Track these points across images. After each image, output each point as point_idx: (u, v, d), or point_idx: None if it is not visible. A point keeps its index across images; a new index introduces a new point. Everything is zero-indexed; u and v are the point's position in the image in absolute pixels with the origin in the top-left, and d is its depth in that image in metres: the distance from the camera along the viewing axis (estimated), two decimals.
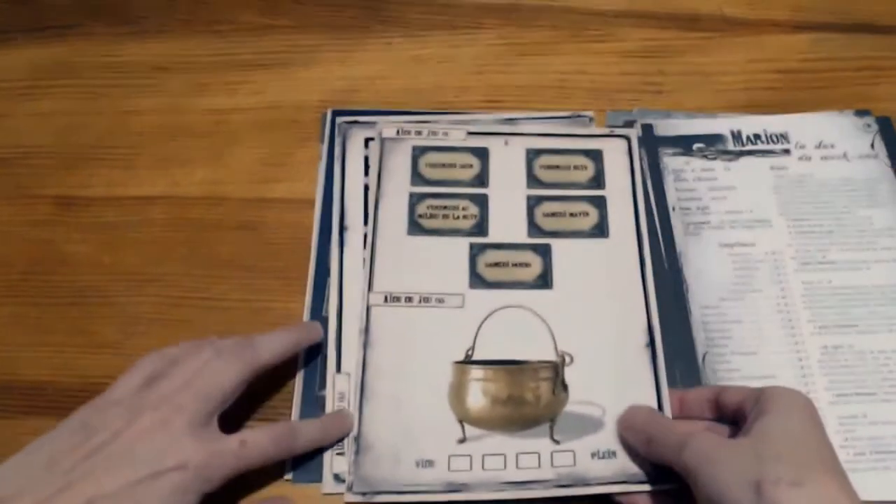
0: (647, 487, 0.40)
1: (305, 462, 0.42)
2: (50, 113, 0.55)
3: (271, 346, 0.41)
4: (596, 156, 0.51)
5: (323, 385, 0.44)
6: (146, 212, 0.51)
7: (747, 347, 0.46)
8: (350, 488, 0.40)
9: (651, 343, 0.44)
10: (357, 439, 0.42)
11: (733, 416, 0.39)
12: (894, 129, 0.53)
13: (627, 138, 0.52)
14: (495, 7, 0.59)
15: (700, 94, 0.55)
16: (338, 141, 0.51)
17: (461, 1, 0.60)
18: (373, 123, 0.52)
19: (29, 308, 0.48)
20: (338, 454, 0.42)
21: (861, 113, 0.54)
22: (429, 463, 0.41)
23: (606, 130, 0.52)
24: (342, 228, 0.48)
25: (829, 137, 0.53)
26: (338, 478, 0.41)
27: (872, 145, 0.52)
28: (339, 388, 0.43)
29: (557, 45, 0.58)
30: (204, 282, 0.48)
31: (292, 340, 0.43)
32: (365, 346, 0.44)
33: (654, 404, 0.42)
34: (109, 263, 0.49)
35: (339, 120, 0.53)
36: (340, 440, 0.42)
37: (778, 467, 0.33)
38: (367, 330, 0.44)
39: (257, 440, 0.39)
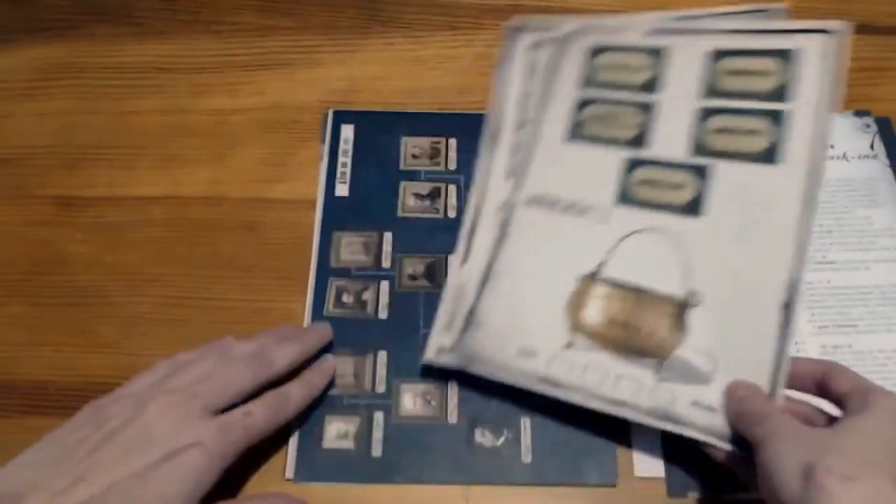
0: (736, 451, 0.38)
1: (306, 458, 0.42)
2: (51, 113, 0.55)
3: (286, 358, 0.42)
4: (789, 57, 0.42)
5: None
6: (147, 212, 0.51)
7: None
8: (452, 350, 0.40)
9: (787, 305, 0.39)
10: (469, 315, 0.41)
11: (836, 401, 0.38)
12: (894, 129, 0.53)
13: (839, 31, 0.42)
14: (495, 7, 0.60)
15: None
16: (505, 45, 0.49)
17: (461, 1, 0.60)
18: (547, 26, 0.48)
19: (29, 308, 0.48)
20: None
21: (860, 113, 0.54)
22: (531, 353, 0.40)
23: (810, 24, 0.43)
24: (496, 131, 0.47)
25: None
26: (442, 350, 0.41)
27: (872, 146, 0.52)
28: (460, 279, 0.43)
29: None
30: (204, 282, 0.48)
31: (305, 351, 0.43)
32: (501, 238, 0.43)
33: (770, 374, 0.39)
34: (110, 263, 0.49)
35: (507, 24, 0.50)
36: (326, 388, 0.43)
37: (838, 459, 0.32)
38: (507, 223, 0.43)
39: (259, 410, 0.39)
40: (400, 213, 0.50)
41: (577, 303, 0.41)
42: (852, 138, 0.53)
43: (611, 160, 0.44)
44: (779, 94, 0.42)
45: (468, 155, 0.52)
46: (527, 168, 0.44)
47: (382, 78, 0.56)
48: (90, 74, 0.57)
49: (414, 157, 0.53)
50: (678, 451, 0.43)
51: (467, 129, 0.53)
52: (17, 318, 0.47)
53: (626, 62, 0.46)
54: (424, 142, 0.53)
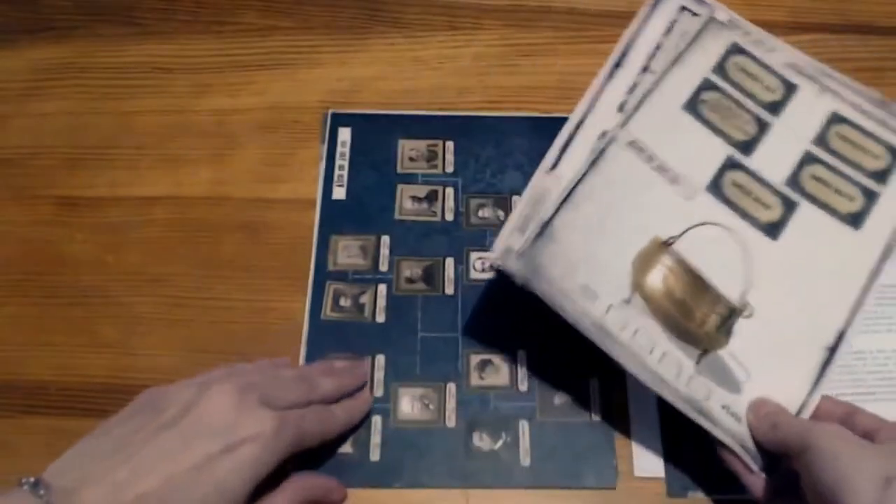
0: (753, 466, 0.39)
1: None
2: (53, 114, 0.55)
3: (329, 387, 0.42)
4: (894, 152, 0.47)
5: None
6: (148, 212, 0.51)
7: None
8: (520, 256, 0.40)
9: (833, 349, 0.42)
10: (545, 225, 0.41)
11: (864, 435, 0.37)
12: None
13: None
14: (496, 8, 0.60)
15: None
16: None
17: (462, 2, 0.60)
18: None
19: (31, 308, 0.48)
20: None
21: None
22: (593, 295, 0.41)
23: None
24: (618, 64, 0.47)
25: None
26: (509, 251, 0.41)
27: None
28: (544, 185, 0.43)
29: (558, 47, 0.58)
30: (205, 282, 0.48)
31: (344, 385, 0.43)
32: (592, 163, 0.43)
33: (798, 405, 0.41)
34: (112, 263, 0.49)
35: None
36: (360, 425, 0.43)
37: None
38: (601, 152, 0.43)
39: (310, 418, 0.39)
40: (397, 217, 0.51)
41: (643, 263, 0.42)
42: None
43: (715, 149, 0.45)
44: (880, 176, 0.46)
45: (465, 157, 0.52)
46: (637, 112, 0.45)
47: (383, 78, 0.56)
48: (91, 74, 0.57)
49: (411, 159, 0.53)
50: (678, 451, 0.43)
51: (465, 131, 0.54)
52: (18, 317, 0.48)
53: (759, 76, 0.48)
54: (421, 144, 0.53)
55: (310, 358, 0.46)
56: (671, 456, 0.43)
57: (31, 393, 0.45)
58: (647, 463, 0.43)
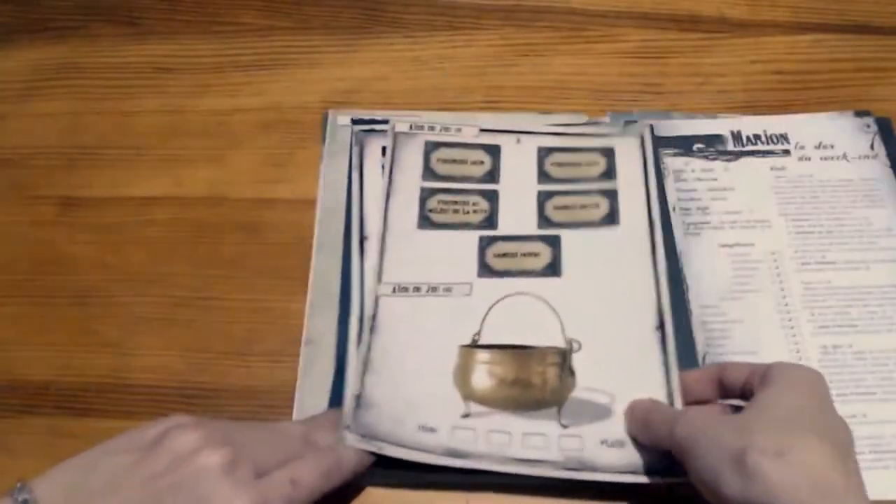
0: (657, 479, 0.39)
1: None
2: (53, 114, 0.55)
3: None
4: (608, 153, 0.51)
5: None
6: (148, 212, 0.51)
7: (747, 347, 0.46)
8: (349, 429, 0.40)
9: (661, 326, 0.44)
10: (358, 398, 0.42)
11: (741, 393, 0.39)
12: (894, 129, 0.53)
13: (640, 136, 0.52)
14: (495, 8, 0.60)
15: (700, 94, 0.55)
16: (355, 151, 0.51)
17: (461, 2, 0.60)
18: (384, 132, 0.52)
19: (31, 308, 0.48)
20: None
21: (861, 113, 0.54)
22: (431, 430, 0.41)
23: (618, 128, 0.52)
24: (362, 238, 0.48)
25: (829, 138, 0.53)
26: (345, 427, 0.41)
27: (872, 146, 0.52)
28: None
29: (557, 46, 0.58)
30: (205, 281, 0.48)
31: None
32: (371, 330, 0.44)
33: (664, 388, 0.42)
34: (112, 264, 0.49)
35: (357, 129, 0.52)
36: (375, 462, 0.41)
37: (764, 438, 0.32)
38: (374, 317, 0.45)
39: (307, 478, 0.36)
40: None
41: (463, 373, 0.43)
42: (852, 138, 0.53)
43: (466, 242, 0.48)
44: (607, 175, 0.50)
45: None
46: (382, 260, 0.47)
47: (383, 78, 0.56)
48: (90, 74, 0.57)
49: None
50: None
51: None
52: (18, 317, 0.47)
53: (464, 156, 0.51)
54: None
55: None
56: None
57: (31, 393, 0.45)
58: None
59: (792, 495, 0.30)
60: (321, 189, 0.51)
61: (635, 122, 0.53)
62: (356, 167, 0.51)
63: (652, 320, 0.44)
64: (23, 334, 0.47)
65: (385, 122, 0.53)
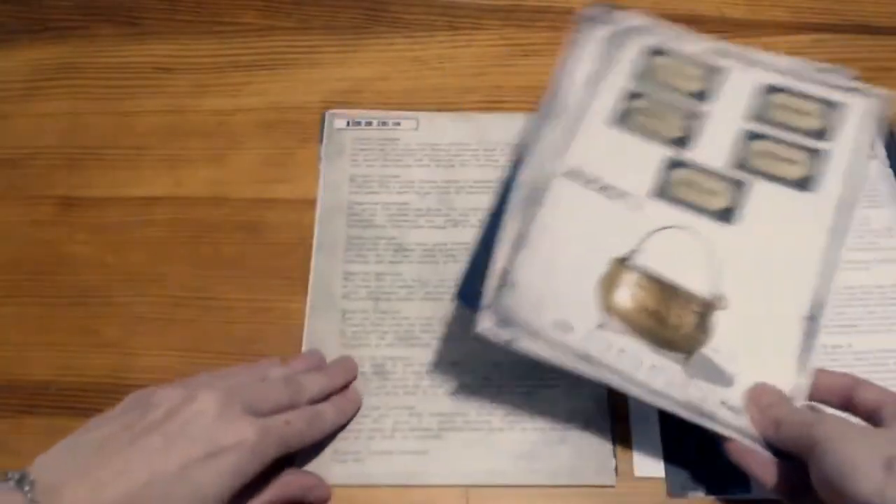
0: (765, 450, 0.38)
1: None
2: (53, 114, 0.55)
3: (315, 387, 0.42)
4: (835, 107, 0.46)
5: None
6: (149, 212, 0.51)
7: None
8: (489, 307, 0.40)
9: (812, 318, 0.41)
10: (503, 275, 0.41)
11: (868, 414, 0.38)
12: (894, 129, 0.53)
13: (881, 97, 0.46)
14: (496, 8, 0.60)
15: None
16: (582, 27, 0.48)
17: (462, 2, 0.60)
18: None
19: (32, 308, 0.48)
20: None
21: None
22: (567, 327, 0.40)
23: (858, 85, 0.47)
24: (556, 114, 0.46)
25: None
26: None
27: (872, 146, 0.52)
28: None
29: (558, 46, 0.58)
30: (205, 281, 0.48)
31: (332, 384, 0.43)
32: (537, 202, 0.43)
33: (793, 381, 0.40)
34: (112, 263, 0.49)
35: (581, 13, 0.49)
36: (351, 419, 0.44)
37: None
38: (543, 190, 0.43)
39: (296, 420, 0.39)
40: None
41: (608, 284, 0.42)
42: None
43: (652, 154, 0.45)
44: (820, 134, 0.45)
45: None
46: (569, 142, 0.45)
47: (383, 78, 0.56)
48: (90, 74, 0.57)
49: None
50: (678, 451, 0.43)
51: None
52: (18, 317, 0.47)
53: (682, 69, 0.48)
54: None
55: None
56: (671, 456, 0.43)
57: (31, 393, 0.45)
58: (647, 463, 0.43)
59: None
60: (321, 189, 0.51)
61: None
62: (576, 44, 0.48)
63: (805, 308, 0.41)
64: (23, 334, 0.47)
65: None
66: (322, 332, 0.46)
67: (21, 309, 0.48)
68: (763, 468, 0.38)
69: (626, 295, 0.41)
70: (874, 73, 0.56)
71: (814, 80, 0.47)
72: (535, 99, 0.55)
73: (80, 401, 0.45)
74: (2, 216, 0.51)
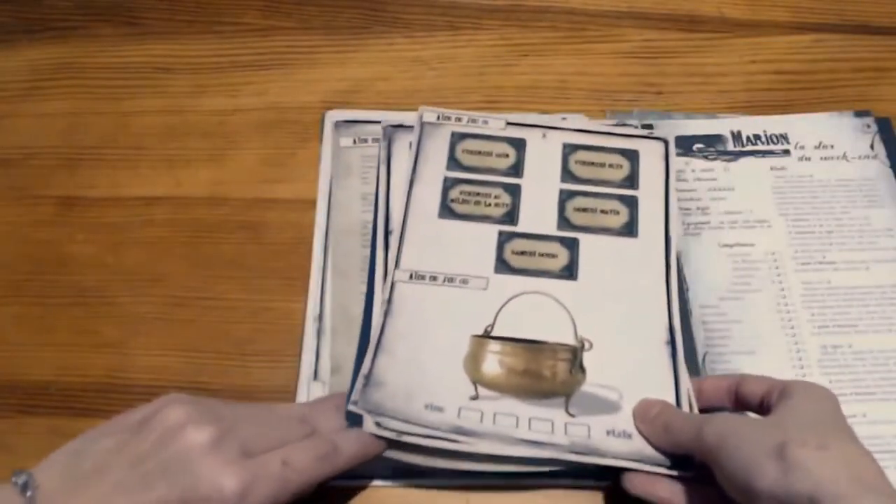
0: (664, 470, 0.39)
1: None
2: (52, 114, 0.55)
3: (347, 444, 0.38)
4: (632, 156, 0.51)
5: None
6: (149, 212, 0.51)
7: (747, 347, 0.46)
8: (355, 404, 0.40)
9: (672, 341, 0.44)
10: (367, 377, 0.42)
11: (757, 406, 0.39)
12: (894, 129, 0.53)
13: (665, 141, 0.51)
14: (496, 8, 0.60)
15: (700, 94, 0.55)
16: (383, 145, 0.51)
17: (462, 2, 0.60)
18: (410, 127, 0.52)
19: (32, 308, 0.48)
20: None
21: (861, 113, 0.54)
22: (439, 408, 0.41)
23: (645, 132, 0.52)
24: (387, 232, 0.48)
25: (829, 138, 0.53)
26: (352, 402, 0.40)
27: (872, 146, 0.52)
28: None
29: (557, 46, 0.58)
30: (205, 282, 0.48)
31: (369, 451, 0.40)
32: (385, 314, 0.44)
33: (673, 398, 0.42)
34: (112, 263, 0.49)
35: (385, 123, 0.52)
36: (378, 455, 0.40)
37: (803, 434, 0.33)
38: (389, 301, 0.45)
39: (300, 459, 0.35)
40: None
41: (473, 360, 0.43)
42: (852, 138, 0.53)
43: (486, 235, 0.48)
44: (629, 182, 0.50)
45: None
46: (401, 246, 0.47)
47: (383, 78, 0.56)
48: (90, 74, 0.57)
49: None
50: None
51: None
52: (18, 318, 0.47)
53: (489, 148, 0.51)
54: None
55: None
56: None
57: (31, 393, 0.45)
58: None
59: (833, 484, 0.31)
60: (331, 210, 0.50)
61: (651, 124, 0.53)
62: (384, 161, 0.50)
63: (663, 335, 0.44)
64: (23, 334, 0.47)
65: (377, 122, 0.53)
66: (345, 357, 0.45)
67: (21, 309, 0.48)
68: (671, 493, 0.39)
69: (494, 364, 0.43)
70: (874, 73, 0.56)
71: (610, 132, 0.52)
72: (535, 99, 0.55)
73: (80, 401, 0.45)
74: (2, 216, 0.51)
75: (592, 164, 0.50)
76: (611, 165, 0.50)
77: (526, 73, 0.57)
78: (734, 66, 0.57)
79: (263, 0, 0.60)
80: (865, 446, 0.34)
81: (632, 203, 0.49)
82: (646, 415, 0.41)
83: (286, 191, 0.52)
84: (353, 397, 0.41)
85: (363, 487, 0.42)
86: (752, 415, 0.39)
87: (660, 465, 0.39)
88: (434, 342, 0.44)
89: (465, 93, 0.55)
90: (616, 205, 0.49)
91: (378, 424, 0.39)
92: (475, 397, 0.42)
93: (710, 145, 0.53)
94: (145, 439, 0.34)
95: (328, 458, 0.36)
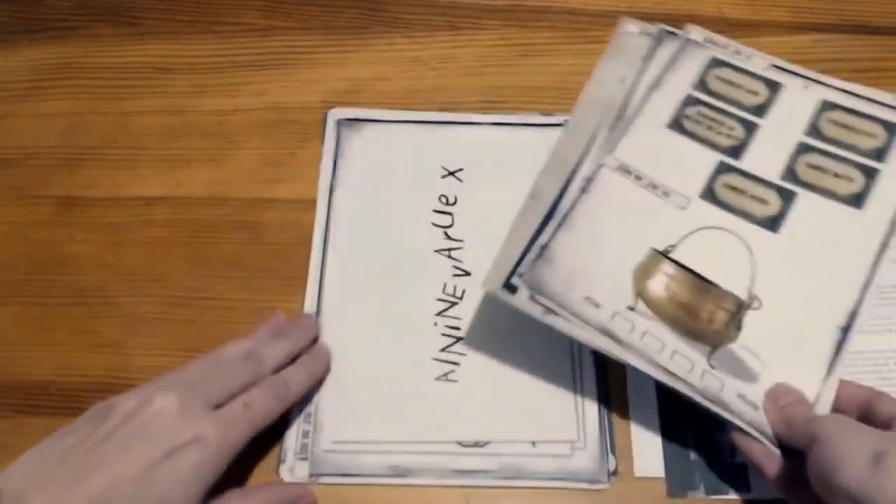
0: (775, 446, 0.39)
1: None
2: (52, 114, 0.55)
3: (276, 355, 0.43)
4: (892, 128, 0.47)
5: None
6: (149, 212, 0.51)
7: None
8: (520, 276, 0.41)
9: (846, 329, 0.42)
10: (543, 248, 0.42)
11: (883, 424, 0.38)
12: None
13: None
14: (496, 8, 0.60)
15: None
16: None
17: (462, 2, 0.60)
18: None
19: (32, 308, 0.48)
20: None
21: None
22: (596, 304, 0.41)
23: None
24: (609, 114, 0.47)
25: None
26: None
27: None
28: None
29: (558, 46, 0.58)
30: (205, 282, 0.48)
31: (294, 348, 0.44)
32: (582, 191, 0.45)
33: (817, 387, 0.40)
34: (112, 264, 0.49)
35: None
36: (323, 379, 0.44)
37: None
38: (590, 180, 0.45)
39: (258, 399, 0.39)
40: None
41: (644, 273, 0.43)
42: None
43: (704, 158, 0.46)
44: (877, 154, 0.47)
45: None
46: (621, 136, 0.46)
47: (383, 78, 0.56)
48: (90, 74, 0.57)
49: None
50: (678, 451, 0.43)
51: None
52: (18, 318, 0.48)
53: (741, 82, 0.49)
54: None
55: None
56: (671, 456, 0.43)
57: (30, 393, 0.45)
58: (647, 463, 0.43)
59: None
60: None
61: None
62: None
63: (840, 318, 0.42)
64: (23, 334, 0.47)
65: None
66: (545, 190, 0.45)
67: (21, 309, 0.48)
68: (766, 459, 0.39)
69: (660, 285, 0.42)
70: (874, 73, 0.56)
71: (875, 101, 0.49)
72: (535, 99, 0.55)
73: (80, 401, 0.45)
74: (2, 216, 0.51)
75: (846, 126, 0.47)
76: (865, 133, 0.47)
77: (526, 73, 0.57)
78: None
79: (263, 0, 0.60)
80: None
81: (871, 175, 0.46)
82: (777, 400, 0.40)
83: (286, 191, 0.52)
84: (520, 268, 0.41)
85: (363, 487, 0.42)
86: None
87: (770, 441, 0.39)
88: (615, 238, 0.43)
89: (465, 93, 0.55)
90: (854, 172, 0.46)
91: (532, 299, 0.40)
92: (632, 308, 0.42)
93: None
94: (107, 423, 0.36)
95: (281, 397, 0.41)
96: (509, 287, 0.41)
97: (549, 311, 0.41)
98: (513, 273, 0.42)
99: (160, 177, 0.52)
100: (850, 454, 0.34)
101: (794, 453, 0.38)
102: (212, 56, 0.57)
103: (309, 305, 0.47)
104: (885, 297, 0.47)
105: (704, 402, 0.40)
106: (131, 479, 0.34)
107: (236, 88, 0.56)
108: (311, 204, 0.51)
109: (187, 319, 0.47)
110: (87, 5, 0.60)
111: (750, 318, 0.42)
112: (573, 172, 0.45)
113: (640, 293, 0.42)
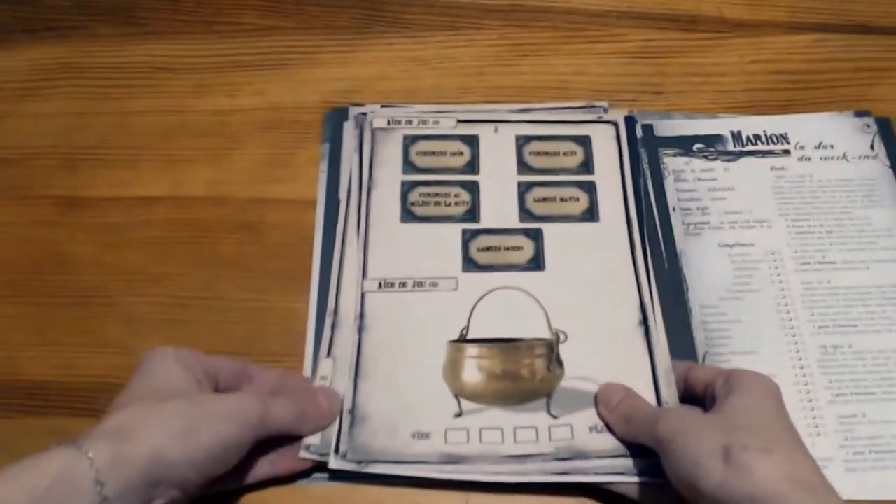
0: (642, 479, 0.40)
1: None
2: (52, 114, 0.55)
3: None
4: (585, 141, 0.52)
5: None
6: (148, 212, 0.51)
7: (747, 347, 0.46)
8: (343, 457, 0.40)
9: (644, 321, 0.45)
10: (352, 412, 0.42)
11: (702, 394, 0.40)
12: (894, 129, 0.53)
13: (615, 123, 0.52)
14: (496, 8, 0.60)
15: (700, 94, 0.55)
16: (354, 133, 0.52)
17: (462, 2, 0.60)
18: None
19: (32, 308, 0.48)
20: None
21: (861, 113, 0.54)
22: (425, 435, 0.41)
23: (594, 116, 0.53)
24: (346, 225, 0.48)
25: (829, 138, 0.53)
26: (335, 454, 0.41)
27: (872, 146, 0.52)
28: (322, 371, 0.44)
29: (558, 46, 0.58)
30: (205, 281, 0.48)
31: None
32: (360, 330, 0.45)
33: (650, 381, 0.43)
34: (112, 263, 0.49)
35: (355, 111, 0.53)
36: (321, 429, 0.41)
37: (747, 436, 0.34)
38: (361, 315, 0.45)
39: (280, 411, 0.40)
40: None
41: (452, 369, 0.43)
42: (852, 138, 0.53)
43: (450, 235, 0.48)
44: (585, 167, 0.51)
45: None
46: (366, 256, 0.47)
47: (383, 78, 0.56)
48: (90, 74, 0.57)
49: None
50: None
51: None
52: (18, 318, 0.47)
53: (442, 148, 0.51)
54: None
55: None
56: None
57: (32, 393, 0.45)
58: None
59: (773, 485, 0.32)
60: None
61: (605, 110, 0.54)
62: (356, 150, 0.51)
63: (635, 316, 0.45)
64: (23, 334, 0.47)
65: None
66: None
67: (21, 309, 0.48)
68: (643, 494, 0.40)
69: (473, 370, 0.43)
70: (874, 73, 0.56)
71: (561, 120, 0.52)
72: (535, 99, 0.55)
73: (80, 401, 0.45)
74: (2, 216, 0.51)
75: (547, 153, 0.51)
76: (565, 153, 0.51)
77: (526, 73, 0.57)
78: (734, 66, 0.57)
79: (263, 0, 0.60)
80: (808, 450, 0.35)
81: (590, 188, 0.50)
82: (609, 402, 0.42)
83: (286, 191, 0.52)
84: (341, 446, 0.41)
85: (363, 487, 0.42)
86: (700, 410, 0.40)
87: (637, 457, 0.40)
88: (412, 355, 0.44)
89: (465, 93, 0.55)
90: (575, 191, 0.50)
91: (361, 470, 0.40)
92: (459, 414, 0.42)
93: (711, 145, 0.53)
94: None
95: (299, 419, 0.41)
96: (340, 474, 0.41)
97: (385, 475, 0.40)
98: (336, 450, 0.41)
99: (160, 177, 0.52)
100: (702, 456, 0.34)
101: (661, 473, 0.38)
102: (212, 56, 0.57)
103: (311, 305, 0.47)
104: (885, 298, 0.47)
105: (559, 479, 0.40)
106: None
107: (236, 88, 0.56)
108: (311, 204, 0.51)
109: (187, 319, 0.47)
110: (87, 5, 0.60)
111: (565, 350, 0.43)
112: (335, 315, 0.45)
113: (459, 391, 0.42)
